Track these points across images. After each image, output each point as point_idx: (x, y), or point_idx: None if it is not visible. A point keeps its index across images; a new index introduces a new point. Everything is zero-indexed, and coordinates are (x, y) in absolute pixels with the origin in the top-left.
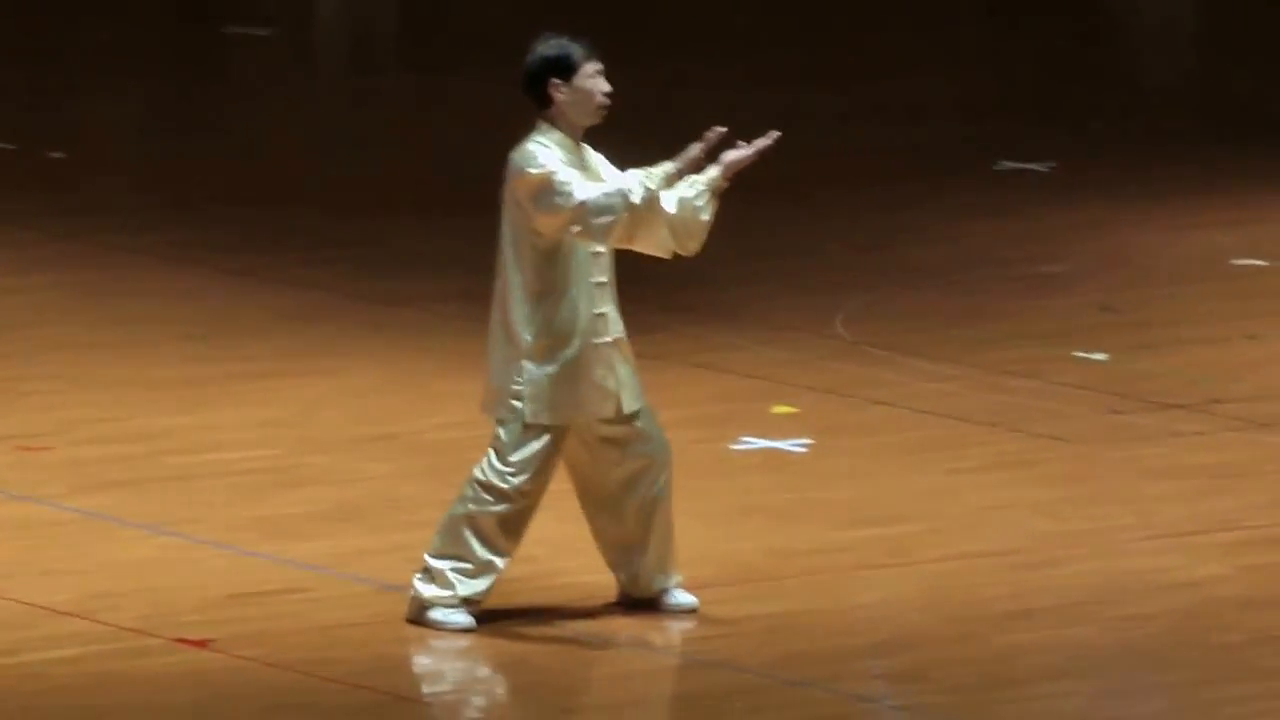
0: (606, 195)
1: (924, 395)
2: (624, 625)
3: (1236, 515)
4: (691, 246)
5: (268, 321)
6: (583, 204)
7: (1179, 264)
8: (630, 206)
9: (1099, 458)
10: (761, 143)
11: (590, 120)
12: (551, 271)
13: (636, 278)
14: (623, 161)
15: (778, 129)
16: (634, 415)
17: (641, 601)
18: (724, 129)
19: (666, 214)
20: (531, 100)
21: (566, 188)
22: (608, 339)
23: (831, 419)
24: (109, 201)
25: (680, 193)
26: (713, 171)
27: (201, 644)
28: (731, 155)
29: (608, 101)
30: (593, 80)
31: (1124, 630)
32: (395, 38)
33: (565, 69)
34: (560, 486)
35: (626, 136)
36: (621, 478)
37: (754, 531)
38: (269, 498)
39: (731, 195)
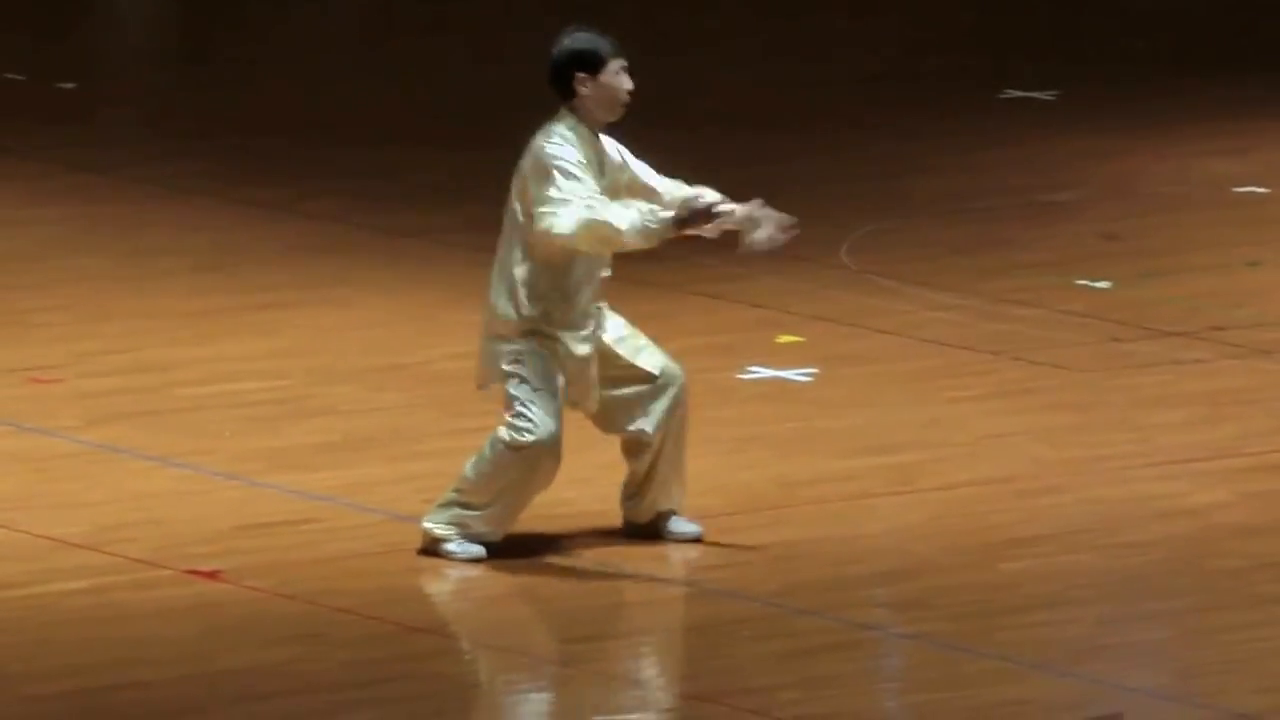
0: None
1: (927, 324)
2: (630, 554)
3: (1237, 442)
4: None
5: (277, 253)
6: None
7: (1181, 191)
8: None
9: (1101, 385)
10: (731, 222)
11: (610, 116)
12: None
13: None
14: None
15: (781, 57)
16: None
17: (645, 530)
18: (747, 209)
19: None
20: (555, 91)
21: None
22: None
23: (836, 348)
24: (119, 133)
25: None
26: (682, 209)
27: (212, 575)
28: (708, 228)
29: (628, 99)
30: (617, 77)
31: (1125, 557)
32: None
33: (591, 64)
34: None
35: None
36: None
37: (759, 460)
38: (279, 429)
39: (737, 126)
